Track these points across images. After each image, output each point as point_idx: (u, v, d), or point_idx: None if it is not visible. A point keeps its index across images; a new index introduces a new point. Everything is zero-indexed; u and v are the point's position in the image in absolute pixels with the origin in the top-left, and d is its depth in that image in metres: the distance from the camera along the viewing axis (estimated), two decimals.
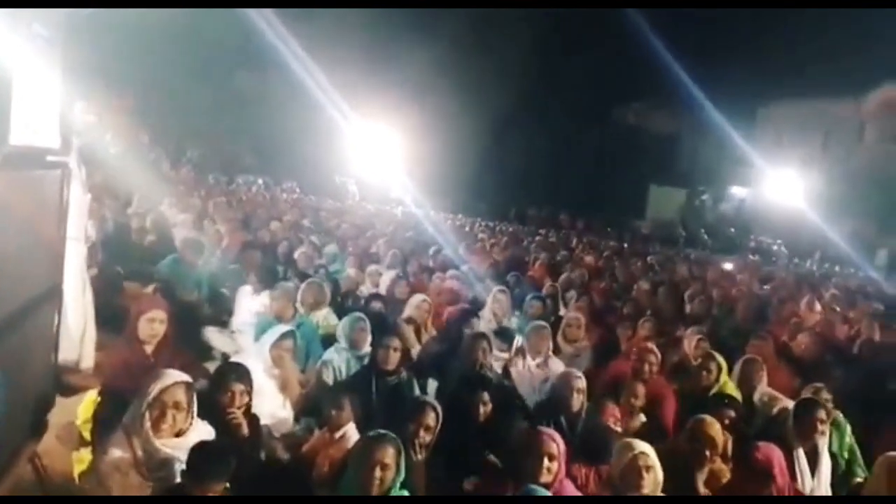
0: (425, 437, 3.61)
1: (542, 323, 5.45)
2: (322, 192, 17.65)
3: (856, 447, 4.44)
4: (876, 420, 4.73)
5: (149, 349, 4.12)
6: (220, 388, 3.74)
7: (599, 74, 20.56)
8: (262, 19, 14.66)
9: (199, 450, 3.03)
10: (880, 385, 5.49)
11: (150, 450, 3.16)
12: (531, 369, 5.21)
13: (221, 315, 6.01)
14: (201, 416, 3.49)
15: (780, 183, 16.72)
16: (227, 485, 3.01)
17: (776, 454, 3.57)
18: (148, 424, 3.17)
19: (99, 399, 4.04)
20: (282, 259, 8.25)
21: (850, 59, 15.51)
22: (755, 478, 3.50)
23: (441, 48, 19.32)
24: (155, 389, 3.23)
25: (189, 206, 11.59)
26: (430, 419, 3.65)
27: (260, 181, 21.97)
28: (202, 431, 3.40)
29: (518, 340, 5.40)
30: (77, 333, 4.33)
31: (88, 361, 4.35)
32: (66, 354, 4.18)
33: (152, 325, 4.13)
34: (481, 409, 4.08)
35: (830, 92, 16.67)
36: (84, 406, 4.25)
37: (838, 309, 8.30)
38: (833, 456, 4.18)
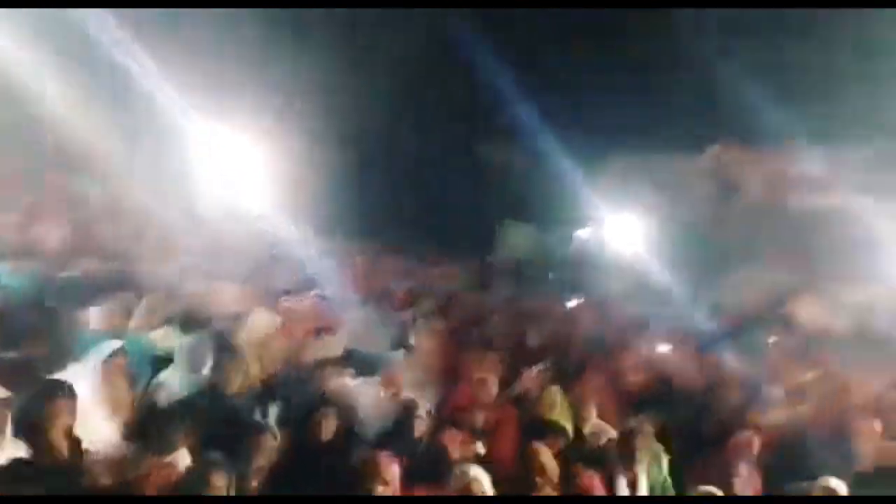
0: (259, 462, 3.54)
1: (398, 355, 5.48)
2: (174, 203, 16.77)
3: (668, 477, 4.80)
4: (689, 452, 5.15)
5: None
6: (38, 405, 3.48)
7: (459, 109, 21.13)
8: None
9: (7, 468, 2.81)
10: (696, 420, 5.99)
11: None
12: (381, 397, 5.21)
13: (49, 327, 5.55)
14: (18, 434, 3.25)
15: (622, 228, 17.95)
16: None
17: (595, 480, 3.83)
18: None
19: None
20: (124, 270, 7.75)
21: (693, 119, 16.97)
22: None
23: (305, 70, 19.12)
24: None
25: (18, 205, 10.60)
26: (266, 443, 3.59)
27: (103, 183, 20.47)
28: (15, 452, 3.14)
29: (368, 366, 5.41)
30: None
31: None
32: None
33: None
34: (324, 430, 4.06)
35: (671, 146, 18.13)
36: None
37: (667, 349, 8.94)
38: (651, 483, 4.50)
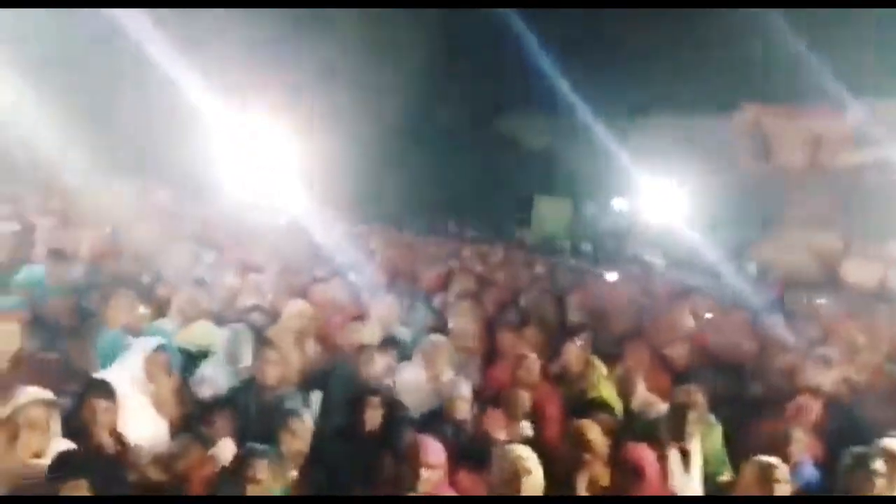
0: (295, 447, 3.51)
1: (438, 338, 5.38)
2: (204, 199, 16.96)
3: (723, 449, 4.66)
4: (743, 421, 5.00)
5: (3, 364, 3.78)
6: (81, 405, 3.49)
7: (486, 84, 20.94)
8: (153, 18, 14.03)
9: (55, 463, 2.84)
10: (747, 388, 5.83)
11: (3, 470, 2.91)
12: (423, 380, 5.14)
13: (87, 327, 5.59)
14: (66, 435, 3.26)
15: (659, 195, 17.61)
16: None
17: (647, 454, 3.72)
18: (2, 444, 2.92)
19: None
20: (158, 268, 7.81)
21: (718, 79, 16.59)
22: (627, 477, 3.62)
23: (331, 53, 19.04)
24: (10, 407, 2.98)
25: (50, 209, 10.80)
26: (299, 428, 3.56)
27: (132, 184, 20.73)
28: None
29: (406, 350, 5.36)
30: None
31: None
32: None
33: (5, 338, 3.80)
34: (369, 417, 4.02)
35: (703, 109, 17.77)
36: None
37: (712, 316, 8.76)
38: (704, 456, 4.37)
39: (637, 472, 3.68)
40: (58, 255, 6.39)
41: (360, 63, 20.45)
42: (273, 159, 16.68)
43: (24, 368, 3.85)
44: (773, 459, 3.64)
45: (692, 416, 4.29)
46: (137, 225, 11.02)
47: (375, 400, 4.14)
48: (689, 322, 7.90)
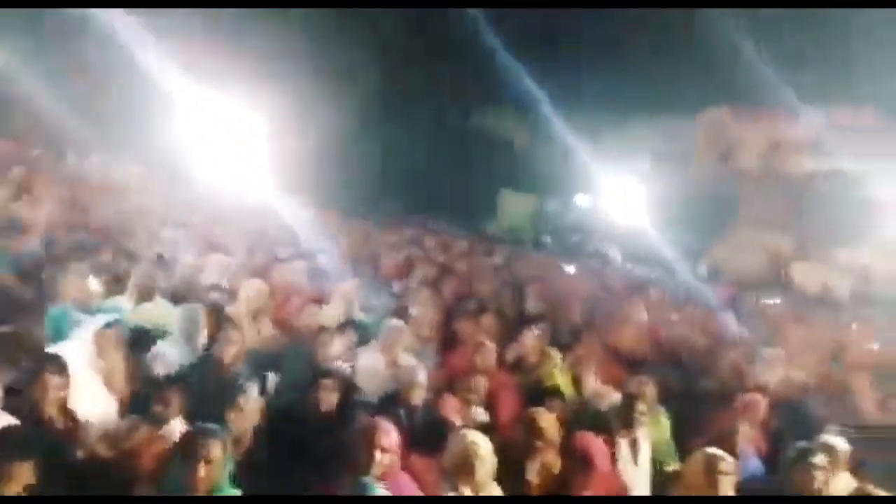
0: (241, 424, 3.52)
1: (397, 323, 5.40)
2: (175, 179, 16.67)
3: (671, 439, 4.79)
4: (691, 414, 5.13)
5: None
6: (32, 380, 3.43)
7: (457, 78, 20.93)
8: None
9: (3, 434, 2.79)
10: (697, 383, 5.98)
11: None
12: (380, 365, 5.16)
13: (41, 301, 5.47)
14: (12, 410, 3.20)
15: (620, 193, 17.89)
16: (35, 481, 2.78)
17: (596, 442, 3.81)
18: None
19: None
20: (119, 243, 7.67)
21: (686, 83, 16.86)
22: (576, 465, 3.70)
23: (301, 43, 18.85)
24: None
25: (6, 179, 10.49)
26: (246, 407, 3.57)
27: (95, 158, 20.25)
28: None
29: (365, 334, 5.37)
30: None
31: None
32: None
33: None
34: (323, 399, 4.02)
35: (666, 111, 18.06)
36: None
37: (664, 311, 8.94)
38: (652, 445, 4.48)
39: (585, 459, 3.76)
40: (10, 227, 6.25)
41: (331, 54, 20.27)
42: (244, 145, 16.48)
43: None
44: (719, 451, 3.74)
45: (642, 406, 4.40)
46: (100, 198, 10.81)
47: (329, 382, 4.15)
48: (644, 316, 8.05)
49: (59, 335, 4.59)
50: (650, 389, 4.78)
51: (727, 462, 3.69)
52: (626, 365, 6.03)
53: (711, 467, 3.65)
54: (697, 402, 5.43)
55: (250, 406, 3.63)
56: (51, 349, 4.08)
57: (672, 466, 4.48)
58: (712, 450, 3.76)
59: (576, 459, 3.75)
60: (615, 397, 4.86)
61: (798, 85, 15.09)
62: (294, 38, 18.73)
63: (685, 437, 4.74)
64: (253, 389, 3.72)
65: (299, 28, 19.11)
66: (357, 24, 20.56)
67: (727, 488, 3.63)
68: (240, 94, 16.48)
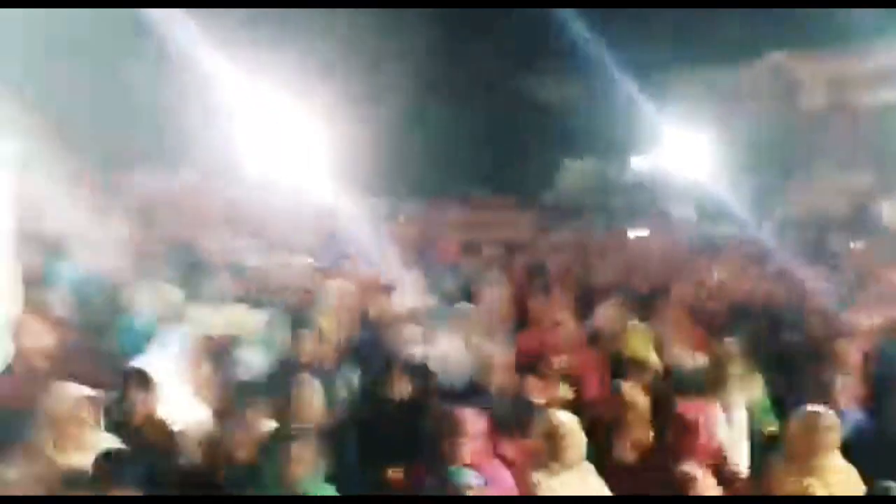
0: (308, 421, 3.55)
1: (466, 306, 5.40)
2: (230, 180, 17.03)
3: (766, 400, 4.62)
4: (783, 371, 4.95)
5: (41, 362, 3.85)
6: (122, 396, 3.55)
7: (502, 48, 20.57)
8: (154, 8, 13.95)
9: (103, 458, 2.87)
10: (785, 337, 5.75)
11: (54, 469, 2.96)
12: (457, 350, 5.15)
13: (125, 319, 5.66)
14: (108, 426, 3.31)
15: (682, 148, 17.28)
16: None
17: (699, 409, 3.69)
18: (50, 443, 2.97)
19: None
20: (190, 254, 7.89)
21: (739, 28, 16.18)
22: (680, 433, 3.59)
23: (342, 28, 18.86)
24: (54, 406, 3.03)
25: (85, 202, 10.94)
26: (310, 404, 3.60)
27: (159, 172, 20.95)
28: (109, 445, 3.21)
29: (436, 322, 5.36)
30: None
31: None
32: None
33: (36, 337, 3.87)
34: (398, 391, 4.03)
35: (722, 59, 17.35)
36: None
37: (744, 266, 8.64)
38: (747, 409, 4.33)
39: (690, 427, 3.65)
40: (91, 248, 6.48)
41: (373, 30, 20.23)
42: (295, 140, 16.66)
43: (61, 364, 3.91)
44: (818, 407, 3.58)
45: (731, 368, 4.25)
46: (169, 210, 11.13)
47: (400, 370, 4.14)
48: (721, 273, 7.81)
49: (137, 348, 4.73)
50: (736, 349, 4.62)
51: (828, 417, 3.53)
52: (707, 327, 5.85)
53: (813, 425, 3.50)
54: (788, 358, 5.23)
55: (314, 403, 3.65)
56: (135, 363, 4.22)
57: (772, 427, 4.33)
58: (811, 407, 3.61)
59: (679, 428, 3.64)
60: (700, 361, 4.72)
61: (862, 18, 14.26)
62: (338, 29, 18.79)
63: (780, 396, 4.57)
64: (313, 385, 3.74)
65: (343, 20, 19.15)
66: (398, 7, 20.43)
67: (832, 445, 3.48)
68: (290, 91, 16.66)
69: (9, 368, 3.86)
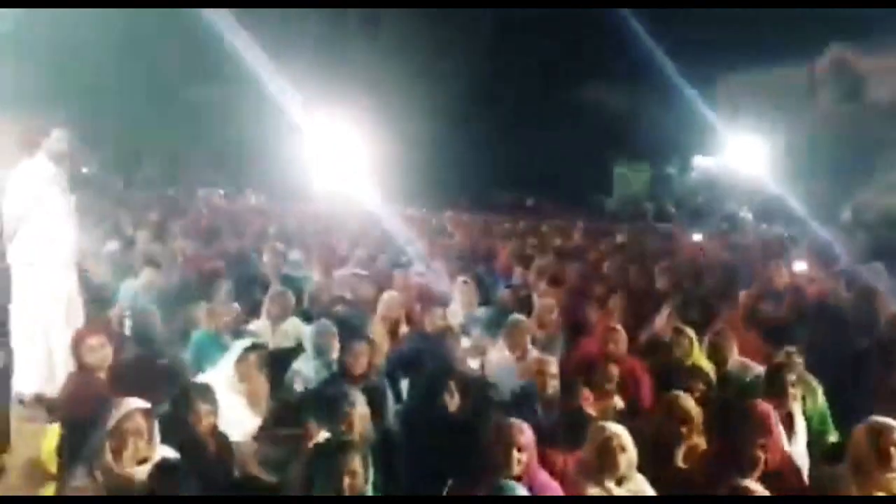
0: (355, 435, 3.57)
1: (519, 317, 5.36)
2: (285, 197, 17.48)
3: (827, 409, 4.44)
4: (848, 379, 4.75)
5: (102, 376, 4.00)
6: (183, 410, 3.65)
7: (552, 53, 20.49)
8: (211, 28, 14.42)
9: (160, 469, 2.97)
10: (849, 344, 5.51)
11: (114, 480, 3.08)
12: (509, 361, 5.13)
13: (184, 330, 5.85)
14: (166, 439, 3.41)
15: (742, 150, 16.82)
16: None
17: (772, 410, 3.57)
18: (109, 455, 3.09)
19: (60, 431, 3.95)
20: (247, 270, 8.11)
21: (799, 25, 15.71)
22: (754, 431, 3.43)
23: (390, 39, 19.14)
24: (113, 419, 3.14)
25: (146, 222, 11.42)
26: (355, 417, 3.61)
27: (221, 191, 21.71)
28: (167, 456, 3.31)
29: (485, 332, 5.36)
30: (61, 364, 4.31)
31: None
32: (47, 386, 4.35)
33: (95, 352, 4.02)
34: (449, 403, 4.02)
35: (782, 57, 16.86)
36: (47, 439, 4.14)
37: (805, 270, 8.36)
38: (806, 419, 4.17)
39: (763, 421, 3.50)
40: (153, 266, 6.72)
41: (426, 45, 20.41)
42: (350, 153, 16.95)
43: (122, 378, 4.06)
44: (888, 420, 3.39)
45: (791, 377, 4.10)
46: (228, 227, 11.48)
47: (453, 383, 4.13)
48: (784, 277, 7.56)
49: (203, 360, 4.89)
50: (797, 358, 4.46)
51: None
52: (768, 333, 5.67)
53: (880, 439, 3.31)
54: (856, 365, 5.01)
55: (359, 416, 3.67)
56: (198, 378, 4.36)
57: (832, 438, 4.15)
58: (879, 419, 3.41)
59: (751, 424, 3.48)
60: (759, 370, 4.57)
61: None
62: (384, 37, 19.03)
63: (844, 405, 4.39)
64: (358, 398, 3.76)
65: (388, 26, 19.38)
66: (448, 12, 20.51)
67: None
68: (337, 102, 16.97)
69: (70, 382, 4.02)
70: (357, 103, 17.51)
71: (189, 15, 14.60)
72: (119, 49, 19.39)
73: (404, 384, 4.92)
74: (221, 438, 3.79)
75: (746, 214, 14.94)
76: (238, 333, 5.39)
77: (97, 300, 6.11)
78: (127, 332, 5.69)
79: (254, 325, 5.79)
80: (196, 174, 22.59)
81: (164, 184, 22.05)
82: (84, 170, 20.08)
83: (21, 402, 4.51)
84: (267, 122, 17.88)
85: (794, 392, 4.06)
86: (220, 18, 14.42)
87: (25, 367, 4.57)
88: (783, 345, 4.85)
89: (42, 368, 4.63)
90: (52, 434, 4.06)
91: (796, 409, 4.09)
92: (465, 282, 6.58)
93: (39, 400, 4.49)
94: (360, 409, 3.68)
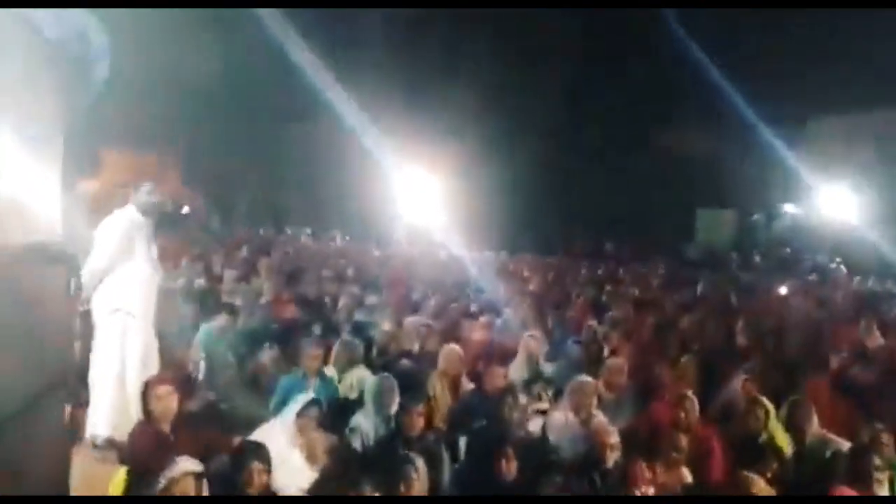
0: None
1: (585, 379, 5.16)
2: (367, 238, 17.82)
3: None
4: None
5: (166, 427, 4.11)
6: (237, 468, 3.70)
7: (636, 97, 20.27)
8: (303, 68, 15.05)
9: None
10: None
11: None
12: (572, 423, 4.96)
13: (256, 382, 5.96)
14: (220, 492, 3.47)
15: (833, 198, 16.00)
16: None
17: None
18: None
19: (126, 479, 4.06)
20: (325, 314, 8.25)
21: (892, 67, 14.96)
22: None
23: (476, 84, 19.42)
24: (164, 479, 3.25)
25: (237, 260, 11.87)
26: (409, 475, 3.57)
27: (308, 231, 22.44)
28: None
29: (551, 391, 5.22)
30: (135, 410, 4.48)
31: None
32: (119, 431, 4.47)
33: (161, 401, 4.13)
34: (505, 468, 3.92)
35: (875, 101, 16.06)
36: (114, 485, 4.27)
37: None
38: None
39: None
40: (230, 311, 6.90)
41: (508, 89, 20.64)
42: (429, 199, 17.16)
43: (185, 427, 4.16)
44: None
45: (878, 460, 3.78)
46: (311, 268, 11.74)
47: (510, 451, 4.03)
48: (877, 337, 7.08)
49: (286, 402, 4.91)
50: (887, 437, 4.12)
51: None
52: (858, 402, 5.28)
53: None
54: None
55: (416, 480, 3.65)
56: (264, 426, 4.42)
57: None
58: None
59: None
60: (840, 446, 4.24)
61: None
62: (470, 82, 19.33)
63: None
64: (419, 463, 3.74)
65: (475, 70, 19.69)
66: (531, 59, 20.70)
67: None
68: (422, 147, 17.27)
69: (136, 430, 4.14)
70: (442, 148, 17.81)
71: (287, 54, 15.27)
72: (218, 88, 20.40)
73: (462, 441, 4.84)
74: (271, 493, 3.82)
75: (839, 267, 14.11)
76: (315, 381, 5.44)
77: (168, 342, 6.33)
78: (201, 375, 5.88)
79: (328, 372, 5.84)
80: (287, 213, 23.47)
81: (257, 222, 22.98)
82: (185, 209, 21.17)
83: (95, 445, 4.67)
84: (355, 163, 18.38)
85: (878, 476, 3.74)
86: (316, 59, 15.08)
87: (101, 410, 4.75)
88: (874, 414, 4.51)
89: (117, 413, 4.79)
90: (119, 479, 4.19)
91: (881, 491, 3.77)
92: (532, 336, 6.44)
93: (111, 444, 4.63)
94: (420, 474, 3.69)
